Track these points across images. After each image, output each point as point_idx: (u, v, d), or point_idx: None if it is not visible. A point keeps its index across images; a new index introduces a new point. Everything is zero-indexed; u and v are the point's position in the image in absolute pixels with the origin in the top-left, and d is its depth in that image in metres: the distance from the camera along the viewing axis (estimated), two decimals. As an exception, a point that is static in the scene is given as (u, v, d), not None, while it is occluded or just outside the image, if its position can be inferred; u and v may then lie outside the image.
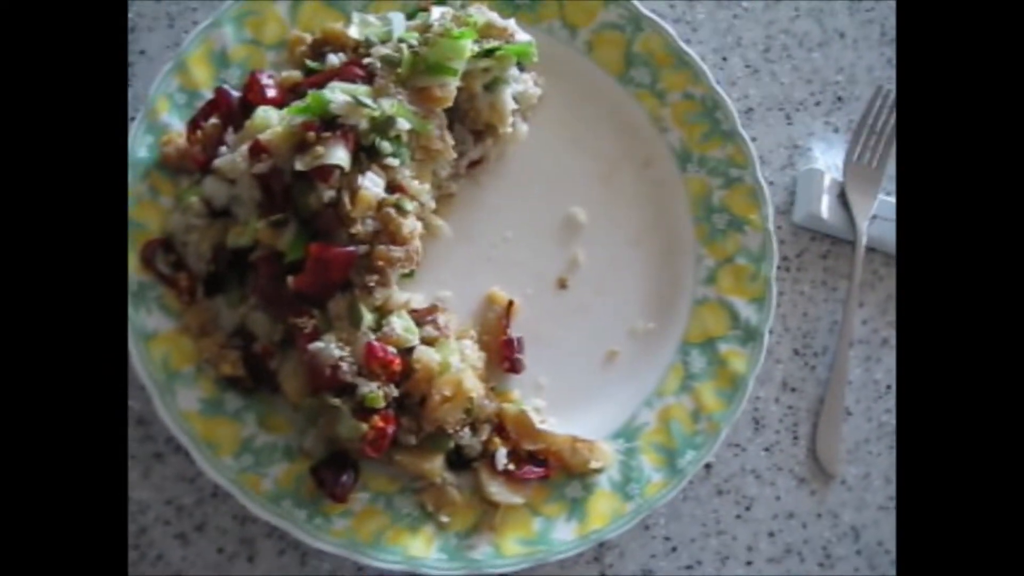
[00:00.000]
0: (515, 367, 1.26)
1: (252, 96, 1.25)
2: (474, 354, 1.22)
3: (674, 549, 1.30)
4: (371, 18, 1.32)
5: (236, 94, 1.26)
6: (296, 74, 1.28)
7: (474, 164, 1.34)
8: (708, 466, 1.33)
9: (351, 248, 1.13)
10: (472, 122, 1.31)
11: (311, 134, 1.13)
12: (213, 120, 1.25)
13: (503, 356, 1.26)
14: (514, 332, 1.29)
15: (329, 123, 1.15)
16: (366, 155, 1.16)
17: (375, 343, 1.13)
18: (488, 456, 1.21)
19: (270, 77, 1.26)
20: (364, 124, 1.15)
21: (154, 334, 1.18)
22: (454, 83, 1.21)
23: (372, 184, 1.14)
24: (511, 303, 1.29)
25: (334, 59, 1.27)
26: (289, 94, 1.26)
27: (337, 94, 1.16)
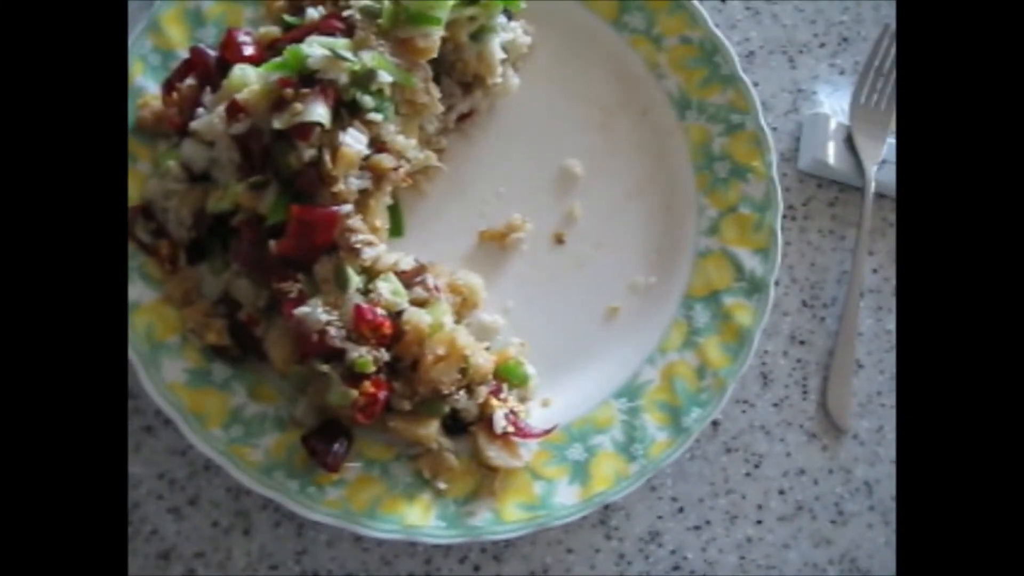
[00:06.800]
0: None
1: (229, 54, 1.19)
2: None
3: (681, 509, 1.26)
4: (351, -32, 1.27)
5: (212, 53, 1.21)
6: (274, 30, 1.23)
7: (464, 118, 1.30)
8: (715, 423, 1.29)
9: (335, 208, 1.09)
10: (460, 74, 1.26)
11: (289, 91, 1.09)
12: (189, 81, 1.20)
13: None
14: (511, 290, 1.26)
15: (307, 79, 1.10)
16: (347, 111, 1.11)
17: (364, 305, 1.09)
18: (485, 419, 1.16)
19: (247, 34, 1.21)
20: (344, 79, 1.10)
21: (137, 305, 1.14)
22: (438, 33, 1.16)
23: (354, 141, 1.10)
24: None
25: (313, 13, 1.22)
26: (268, 51, 1.21)
27: (315, 48, 1.11)
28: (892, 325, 1.36)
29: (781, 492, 1.29)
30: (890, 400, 1.34)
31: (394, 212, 1.23)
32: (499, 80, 1.27)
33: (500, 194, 1.29)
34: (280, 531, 1.19)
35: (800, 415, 1.32)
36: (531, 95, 1.32)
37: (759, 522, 1.28)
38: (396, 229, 1.24)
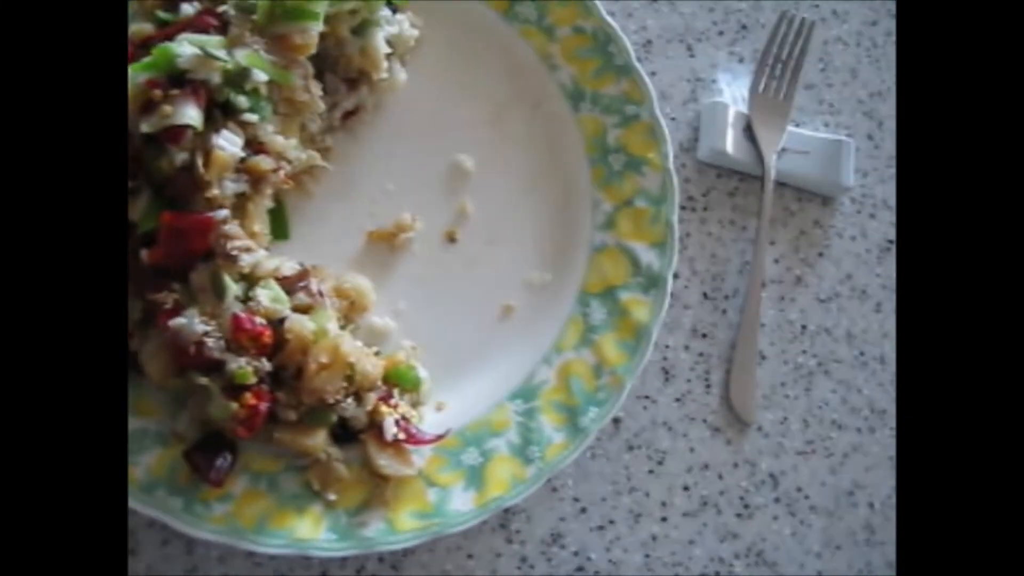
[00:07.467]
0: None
1: (99, 53, 1.14)
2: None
3: (584, 510, 1.24)
4: (228, -39, 1.22)
5: (82, 52, 1.16)
6: (147, 27, 1.17)
7: (349, 115, 1.25)
8: (616, 421, 1.27)
9: (208, 214, 1.05)
10: (344, 70, 1.22)
11: (158, 92, 1.04)
12: (58, 82, 1.14)
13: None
14: (402, 291, 1.22)
15: (178, 79, 1.05)
16: (221, 112, 1.07)
17: (241, 315, 1.04)
18: (375, 427, 1.13)
19: (119, 32, 1.16)
20: (216, 78, 1.05)
21: (4, 319, 1.09)
22: (316, 28, 1.11)
23: (228, 143, 1.05)
24: None
25: (188, 8, 1.16)
26: (140, 49, 1.14)
27: (185, 47, 1.06)
28: (795, 315, 1.36)
29: (685, 488, 1.27)
30: (794, 391, 1.33)
31: (278, 215, 1.18)
32: (385, 75, 1.23)
33: (389, 192, 1.25)
34: (168, 549, 1.15)
35: (703, 409, 1.30)
36: (420, 89, 1.28)
37: (664, 519, 1.26)
38: (281, 232, 1.20)
